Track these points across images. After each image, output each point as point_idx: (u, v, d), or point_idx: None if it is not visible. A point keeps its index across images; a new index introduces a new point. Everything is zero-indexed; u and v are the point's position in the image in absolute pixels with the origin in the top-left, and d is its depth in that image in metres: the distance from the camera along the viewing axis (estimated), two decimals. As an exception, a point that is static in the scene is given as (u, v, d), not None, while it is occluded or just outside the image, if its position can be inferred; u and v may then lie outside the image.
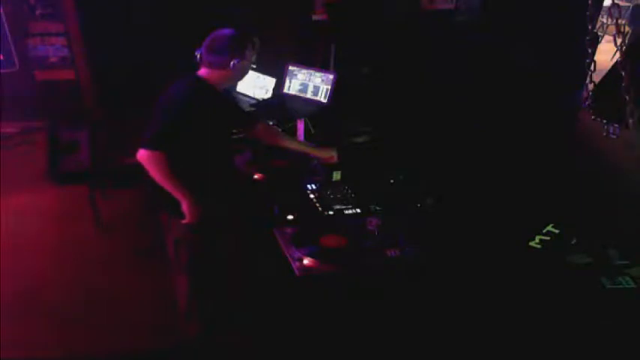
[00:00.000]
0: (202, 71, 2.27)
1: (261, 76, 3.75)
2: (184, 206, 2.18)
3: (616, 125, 2.03)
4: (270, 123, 3.26)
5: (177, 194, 2.17)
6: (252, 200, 2.61)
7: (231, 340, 2.54)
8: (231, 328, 2.58)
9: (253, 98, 3.69)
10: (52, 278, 3.07)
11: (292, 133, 3.18)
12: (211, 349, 2.52)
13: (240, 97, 3.75)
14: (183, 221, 2.21)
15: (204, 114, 2.19)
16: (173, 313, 2.55)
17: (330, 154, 2.67)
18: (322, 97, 3.48)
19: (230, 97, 2.58)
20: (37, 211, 3.78)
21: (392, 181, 2.65)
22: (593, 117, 2.14)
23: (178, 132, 2.13)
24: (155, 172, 2.12)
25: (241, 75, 2.38)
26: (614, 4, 1.82)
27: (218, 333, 2.55)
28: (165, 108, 2.17)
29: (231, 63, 2.20)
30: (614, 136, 2.01)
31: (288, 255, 2.09)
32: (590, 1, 1.96)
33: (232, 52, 2.21)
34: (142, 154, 2.10)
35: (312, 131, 3.18)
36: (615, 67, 1.90)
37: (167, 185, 2.15)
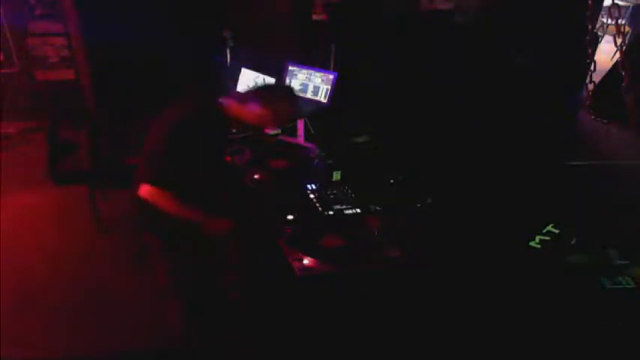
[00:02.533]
0: (228, 100, 2.18)
1: (261, 76, 3.75)
2: (205, 226, 2.15)
3: (616, 125, 2.04)
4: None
5: (193, 219, 2.12)
6: (250, 200, 2.61)
7: (231, 340, 2.54)
8: (230, 329, 2.58)
9: (253, 98, 3.69)
10: (51, 278, 3.07)
11: (292, 133, 3.18)
12: (211, 349, 2.52)
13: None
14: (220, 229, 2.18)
15: (209, 142, 2.12)
16: (172, 313, 2.55)
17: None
18: (322, 97, 3.48)
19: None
20: (37, 211, 3.78)
21: (392, 181, 2.65)
22: (593, 117, 2.14)
23: (183, 161, 2.05)
24: (166, 208, 2.05)
25: (257, 121, 2.19)
26: (614, 4, 1.82)
27: (214, 334, 2.54)
28: (176, 135, 2.04)
29: (250, 103, 2.13)
30: (614, 136, 2.02)
31: (288, 255, 2.09)
32: (590, 1, 1.96)
33: (260, 94, 2.16)
34: (148, 191, 2.02)
35: (312, 131, 3.18)
36: (615, 67, 1.90)
37: (181, 216, 2.08)
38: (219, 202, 2.34)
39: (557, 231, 2.25)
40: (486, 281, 2.04)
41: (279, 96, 2.22)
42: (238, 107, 2.16)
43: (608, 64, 2.23)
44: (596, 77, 2.07)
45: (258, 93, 2.18)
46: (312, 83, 3.54)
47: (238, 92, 2.21)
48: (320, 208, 2.38)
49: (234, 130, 3.17)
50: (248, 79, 3.83)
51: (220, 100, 2.19)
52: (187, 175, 2.08)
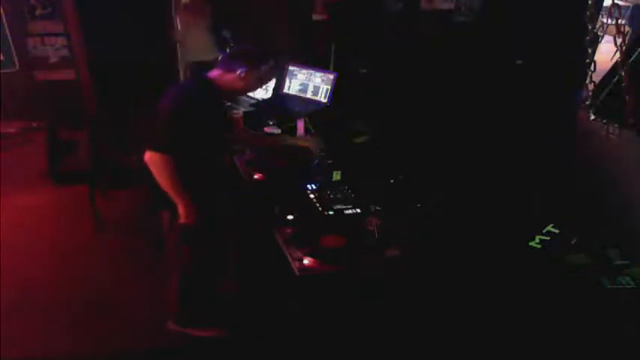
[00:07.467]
0: (214, 72, 2.32)
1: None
2: (181, 209, 2.22)
3: (616, 125, 2.03)
4: (271, 123, 3.27)
5: (176, 197, 2.20)
6: (250, 200, 2.61)
7: (230, 339, 2.55)
8: (227, 326, 2.59)
9: (253, 98, 3.69)
10: (51, 278, 3.08)
11: (292, 133, 3.18)
12: (210, 349, 2.52)
13: (240, 97, 3.75)
14: (180, 221, 2.25)
15: (206, 116, 2.22)
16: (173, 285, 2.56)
17: (309, 143, 2.84)
18: (322, 97, 3.48)
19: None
20: (37, 211, 3.79)
21: (392, 181, 2.64)
22: (592, 117, 2.14)
23: (185, 134, 2.14)
24: (160, 175, 2.14)
25: (248, 85, 2.37)
26: (614, 4, 1.82)
27: (210, 330, 2.55)
28: (173, 110, 2.17)
29: (239, 70, 2.26)
30: (614, 136, 2.01)
31: (288, 255, 2.09)
32: (590, 1, 1.96)
33: (245, 60, 2.28)
34: (150, 157, 2.12)
35: (312, 131, 3.18)
36: (615, 67, 1.90)
37: (169, 188, 2.18)
38: (216, 187, 2.41)
39: (557, 231, 2.25)
40: (486, 281, 2.04)
41: (260, 58, 2.34)
42: (227, 77, 2.29)
43: (608, 64, 2.23)
44: (596, 77, 2.07)
45: (241, 59, 2.29)
46: (312, 83, 3.54)
47: (221, 62, 2.36)
48: (320, 208, 2.38)
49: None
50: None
51: (207, 75, 2.32)
52: (186, 150, 2.16)
